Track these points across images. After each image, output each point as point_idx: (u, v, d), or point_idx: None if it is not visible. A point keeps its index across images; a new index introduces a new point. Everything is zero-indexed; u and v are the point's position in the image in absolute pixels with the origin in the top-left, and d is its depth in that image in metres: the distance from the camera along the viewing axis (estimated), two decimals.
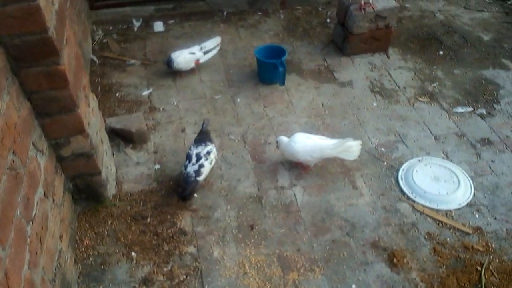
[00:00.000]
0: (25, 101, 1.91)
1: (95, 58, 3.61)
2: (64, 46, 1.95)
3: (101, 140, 2.41)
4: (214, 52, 3.46)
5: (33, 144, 1.90)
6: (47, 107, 1.98)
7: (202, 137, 2.58)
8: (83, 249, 2.28)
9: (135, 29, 4.03)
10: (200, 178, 2.49)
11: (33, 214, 1.80)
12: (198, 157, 2.51)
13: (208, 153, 2.53)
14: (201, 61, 3.39)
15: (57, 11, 1.94)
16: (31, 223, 1.77)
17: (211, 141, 2.61)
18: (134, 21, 4.06)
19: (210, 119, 2.72)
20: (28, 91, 1.91)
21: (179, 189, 2.53)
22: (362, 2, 3.43)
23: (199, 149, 2.54)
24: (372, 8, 3.44)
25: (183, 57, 3.28)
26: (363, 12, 3.45)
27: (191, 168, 2.49)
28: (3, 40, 1.75)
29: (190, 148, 2.57)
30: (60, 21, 1.95)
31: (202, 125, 2.60)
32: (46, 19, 1.75)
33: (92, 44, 3.78)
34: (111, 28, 4.02)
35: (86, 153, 2.19)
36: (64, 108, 1.99)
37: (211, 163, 2.54)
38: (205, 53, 3.40)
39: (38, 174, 1.89)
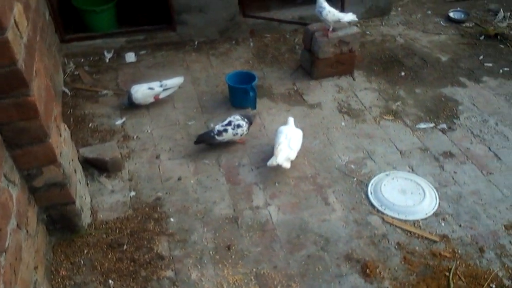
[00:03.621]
0: None
1: (67, 90, 3.64)
2: (34, 78, 1.99)
3: (74, 170, 2.42)
4: (174, 89, 3.50)
5: (5, 176, 1.91)
6: (18, 138, 2.00)
7: (244, 114, 3.06)
8: (59, 280, 2.25)
9: (107, 60, 4.10)
10: (218, 138, 2.93)
11: (6, 245, 1.79)
12: (228, 123, 2.97)
13: (238, 126, 2.97)
14: (161, 96, 3.42)
15: (26, 44, 1.99)
16: (4, 253, 1.76)
17: (249, 121, 3.03)
18: (105, 52, 4.13)
19: (254, 116, 3.24)
20: None
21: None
22: (330, 29, 3.61)
23: (236, 118, 2.99)
24: (327, 35, 3.61)
25: (141, 92, 3.33)
26: (327, 38, 3.62)
27: (218, 126, 2.98)
28: None
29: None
30: (29, 53, 2.00)
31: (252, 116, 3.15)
32: (15, 52, 1.80)
33: (64, 76, 3.82)
34: (82, 60, 4.07)
35: (59, 183, 2.20)
36: (35, 139, 2.02)
37: (234, 135, 2.97)
38: (165, 90, 3.42)
39: (10, 205, 1.89)
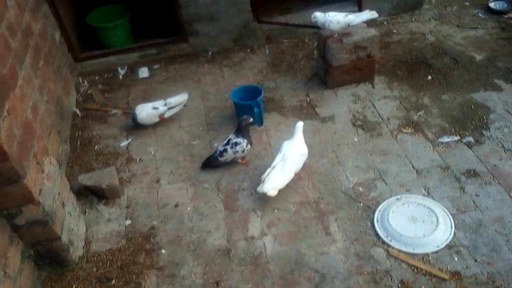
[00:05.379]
0: None
1: (78, 111, 3.66)
2: (4, 119, 1.96)
3: (62, 203, 2.40)
4: (180, 107, 3.42)
5: None
6: None
7: (238, 131, 2.90)
8: None
9: (120, 77, 4.09)
10: (220, 159, 2.88)
11: None
12: (227, 143, 2.88)
13: (236, 144, 2.85)
14: (166, 115, 3.35)
15: None
16: None
17: (245, 136, 2.89)
18: (119, 69, 4.12)
19: (249, 118, 2.90)
20: None
21: None
22: (335, 35, 3.36)
23: (233, 137, 2.89)
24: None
25: (146, 112, 3.26)
26: (341, 42, 3.36)
27: (220, 147, 2.92)
28: None
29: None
30: None
31: (241, 121, 2.89)
32: None
33: (77, 96, 3.85)
34: (96, 78, 4.09)
35: (41, 220, 2.18)
36: (9, 180, 1.99)
37: (235, 153, 2.87)
38: (170, 108, 3.34)
39: None
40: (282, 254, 2.40)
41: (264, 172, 2.70)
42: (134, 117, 3.29)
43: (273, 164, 2.64)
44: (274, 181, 2.56)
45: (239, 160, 2.96)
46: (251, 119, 2.90)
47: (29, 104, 2.60)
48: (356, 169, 2.86)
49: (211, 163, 2.96)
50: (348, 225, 2.50)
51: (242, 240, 2.50)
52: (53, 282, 2.39)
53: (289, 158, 2.63)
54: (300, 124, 2.78)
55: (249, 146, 2.90)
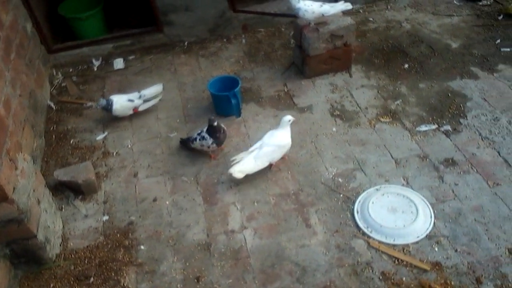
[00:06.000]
0: None
1: (52, 104, 3.55)
2: None
3: (37, 200, 2.33)
4: (156, 101, 3.35)
5: None
6: None
7: (208, 129, 2.88)
8: None
9: (95, 68, 3.98)
10: (191, 145, 2.94)
11: None
12: (198, 133, 2.92)
13: (203, 138, 2.87)
14: (140, 109, 3.28)
15: None
16: None
17: (212, 135, 2.85)
18: (93, 60, 4.02)
19: (214, 119, 2.85)
20: None
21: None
22: (311, 24, 3.34)
23: (204, 131, 2.89)
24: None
25: (120, 104, 3.19)
26: (317, 32, 3.34)
27: (195, 134, 2.95)
28: None
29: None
30: None
31: (208, 120, 2.88)
32: None
33: (51, 89, 3.74)
34: (71, 70, 3.98)
35: (15, 219, 2.12)
36: None
37: (201, 146, 2.90)
38: (145, 101, 3.28)
39: None
40: (263, 248, 2.40)
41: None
42: (109, 104, 3.18)
43: (250, 149, 2.69)
44: (244, 164, 2.61)
45: (206, 151, 2.96)
46: (215, 122, 2.85)
47: (1, 99, 2.52)
48: (335, 160, 2.86)
49: (186, 143, 3.01)
50: (328, 217, 2.51)
51: (222, 234, 2.49)
52: (30, 281, 2.33)
53: (265, 146, 2.64)
54: (286, 118, 2.76)
55: (214, 145, 2.87)
